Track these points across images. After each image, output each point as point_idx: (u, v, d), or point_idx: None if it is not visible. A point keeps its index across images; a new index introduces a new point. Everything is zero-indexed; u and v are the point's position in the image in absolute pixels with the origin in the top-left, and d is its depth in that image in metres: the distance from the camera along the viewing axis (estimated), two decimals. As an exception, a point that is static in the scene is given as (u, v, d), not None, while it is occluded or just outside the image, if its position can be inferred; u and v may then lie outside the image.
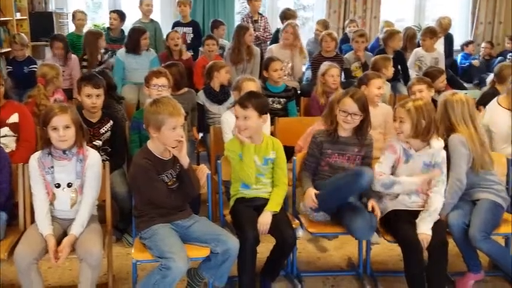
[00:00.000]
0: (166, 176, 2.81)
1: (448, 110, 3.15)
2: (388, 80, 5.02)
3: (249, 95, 3.10)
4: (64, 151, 2.82)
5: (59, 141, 2.78)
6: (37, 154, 2.85)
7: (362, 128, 3.14)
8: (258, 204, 3.06)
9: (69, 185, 2.85)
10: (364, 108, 3.09)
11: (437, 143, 3.04)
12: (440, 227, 2.97)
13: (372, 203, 3.01)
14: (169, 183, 2.83)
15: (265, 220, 2.96)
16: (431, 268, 2.93)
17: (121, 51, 5.58)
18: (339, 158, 3.16)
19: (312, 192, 3.03)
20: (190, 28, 6.52)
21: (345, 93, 3.18)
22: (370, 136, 3.23)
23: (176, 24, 6.59)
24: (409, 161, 3.08)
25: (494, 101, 3.94)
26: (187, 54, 5.90)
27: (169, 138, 2.73)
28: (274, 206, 3.04)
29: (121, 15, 6.41)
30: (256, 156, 3.07)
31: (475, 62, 7.79)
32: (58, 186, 2.84)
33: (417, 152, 3.05)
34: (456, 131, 3.11)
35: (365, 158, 3.19)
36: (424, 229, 2.92)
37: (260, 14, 6.86)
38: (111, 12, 6.52)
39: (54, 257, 2.68)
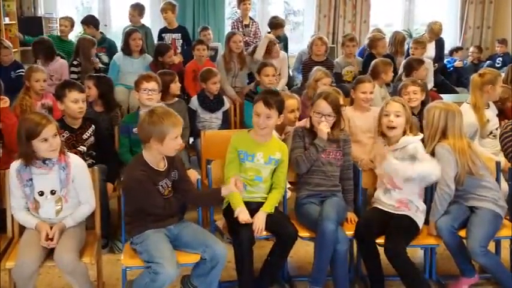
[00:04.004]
0: (161, 186, 2.80)
1: (448, 121, 3.13)
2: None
3: (272, 94, 3.13)
4: (44, 161, 2.74)
5: (50, 152, 2.70)
6: (16, 164, 2.76)
7: (334, 128, 3.21)
8: (253, 208, 3.05)
9: (52, 192, 2.79)
10: (337, 109, 3.18)
11: (406, 137, 3.10)
12: (393, 237, 2.95)
13: (349, 216, 3.19)
14: (164, 193, 2.81)
15: (260, 220, 2.97)
16: (399, 275, 2.97)
17: (118, 55, 5.59)
18: (320, 155, 3.19)
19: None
20: (179, 34, 6.43)
21: (318, 95, 3.25)
22: (345, 132, 3.33)
23: (163, 30, 6.44)
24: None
25: (464, 104, 3.99)
26: (179, 58, 5.85)
27: (171, 148, 2.73)
28: (269, 207, 3.05)
29: (88, 22, 6.32)
30: (261, 153, 3.09)
31: (458, 63, 7.84)
32: (41, 194, 2.78)
33: (389, 148, 3.16)
34: (445, 141, 3.10)
35: (345, 155, 3.26)
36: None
37: (251, 18, 6.80)
38: (81, 23, 6.45)
39: (45, 240, 2.68)
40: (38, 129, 2.65)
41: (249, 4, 6.72)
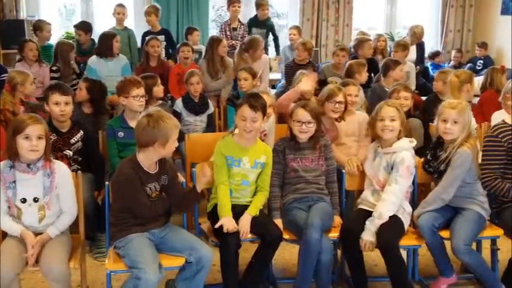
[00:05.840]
0: (149, 188, 2.81)
1: (471, 120, 3.18)
2: (362, 86, 5.09)
3: (255, 97, 3.14)
4: (28, 165, 2.71)
5: (30, 151, 2.68)
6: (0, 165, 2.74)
7: (314, 136, 3.24)
8: (237, 211, 3.06)
9: (35, 200, 2.75)
10: (316, 116, 3.21)
11: (401, 142, 3.13)
12: (387, 232, 2.99)
13: (336, 220, 3.19)
14: (152, 195, 2.82)
15: (245, 222, 2.99)
16: (388, 272, 3.00)
17: (92, 59, 5.46)
18: (302, 162, 3.23)
19: (279, 223, 3.13)
20: (163, 36, 6.40)
21: (296, 105, 3.30)
22: (325, 136, 3.37)
23: (147, 33, 6.36)
24: (376, 159, 3.24)
25: None
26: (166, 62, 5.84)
27: (170, 150, 2.78)
28: (254, 210, 3.07)
29: (85, 28, 6.22)
30: (247, 158, 3.11)
31: None
32: (24, 201, 2.74)
33: (383, 150, 3.18)
34: (468, 143, 3.11)
35: (327, 159, 3.28)
36: (366, 235, 3.00)
37: (240, 21, 6.78)
38: (74, 27, 6.32)
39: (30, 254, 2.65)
40: (22, 125, 2.68)
41: (239, 7, 6.71)
